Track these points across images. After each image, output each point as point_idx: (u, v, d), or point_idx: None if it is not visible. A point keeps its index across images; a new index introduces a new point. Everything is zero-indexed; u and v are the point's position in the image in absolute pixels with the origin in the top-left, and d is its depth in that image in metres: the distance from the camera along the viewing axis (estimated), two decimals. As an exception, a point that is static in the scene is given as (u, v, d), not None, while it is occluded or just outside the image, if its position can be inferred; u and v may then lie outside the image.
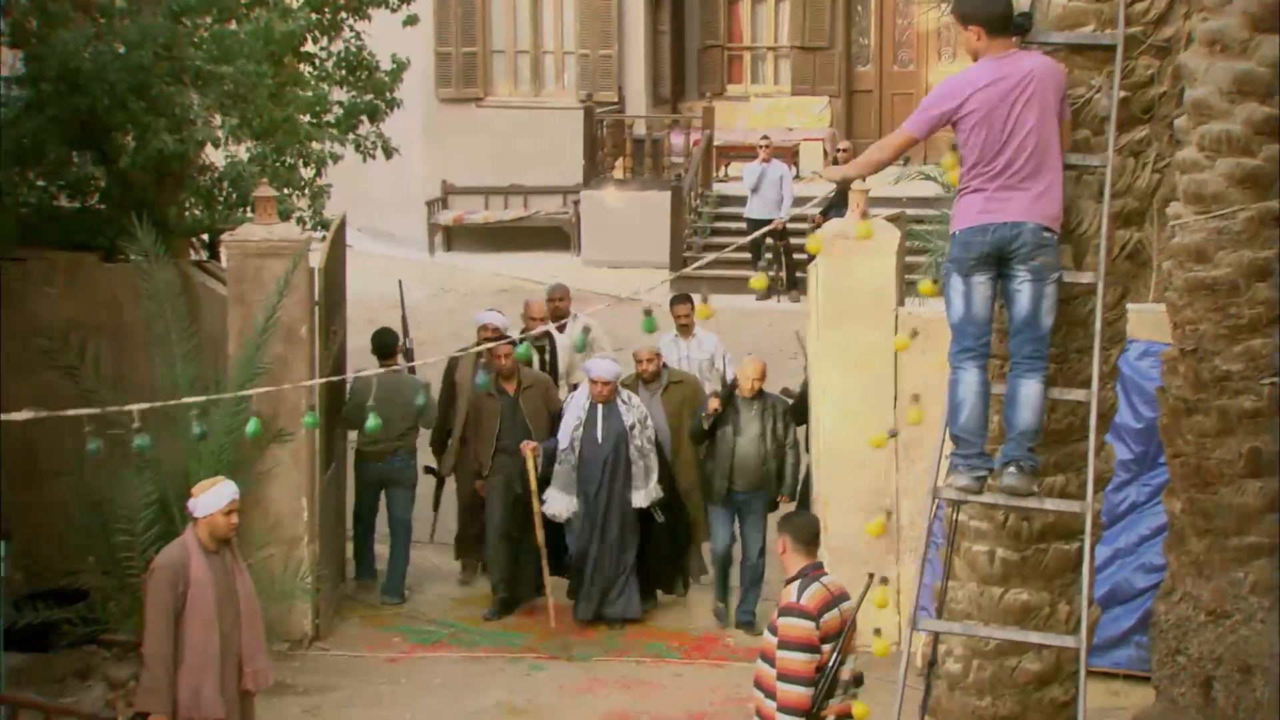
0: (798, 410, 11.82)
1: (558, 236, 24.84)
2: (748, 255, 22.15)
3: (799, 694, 7.48)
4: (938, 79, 26.03)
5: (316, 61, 13.49)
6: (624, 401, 11.47)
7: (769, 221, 21.32)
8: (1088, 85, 6.34)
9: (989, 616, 6.84)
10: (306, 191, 13.03)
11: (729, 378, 12.32)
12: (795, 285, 22.05)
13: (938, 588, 7.22)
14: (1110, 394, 6.74)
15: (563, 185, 24.61)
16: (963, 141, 6.53)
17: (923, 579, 10.99)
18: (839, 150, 22.62)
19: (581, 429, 11.37)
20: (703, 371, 12.74)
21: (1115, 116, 6.30)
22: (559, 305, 13.15)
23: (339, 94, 13.83)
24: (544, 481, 11.52)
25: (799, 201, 21.21)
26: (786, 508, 11.30)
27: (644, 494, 11.45)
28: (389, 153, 13.67)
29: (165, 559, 8.11)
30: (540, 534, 11.47)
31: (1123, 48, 6.31)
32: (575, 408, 11.51)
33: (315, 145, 12.76)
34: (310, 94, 12.94)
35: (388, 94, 13.57)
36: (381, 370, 11.63)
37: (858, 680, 8.14)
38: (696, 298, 12.62)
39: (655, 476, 11.50)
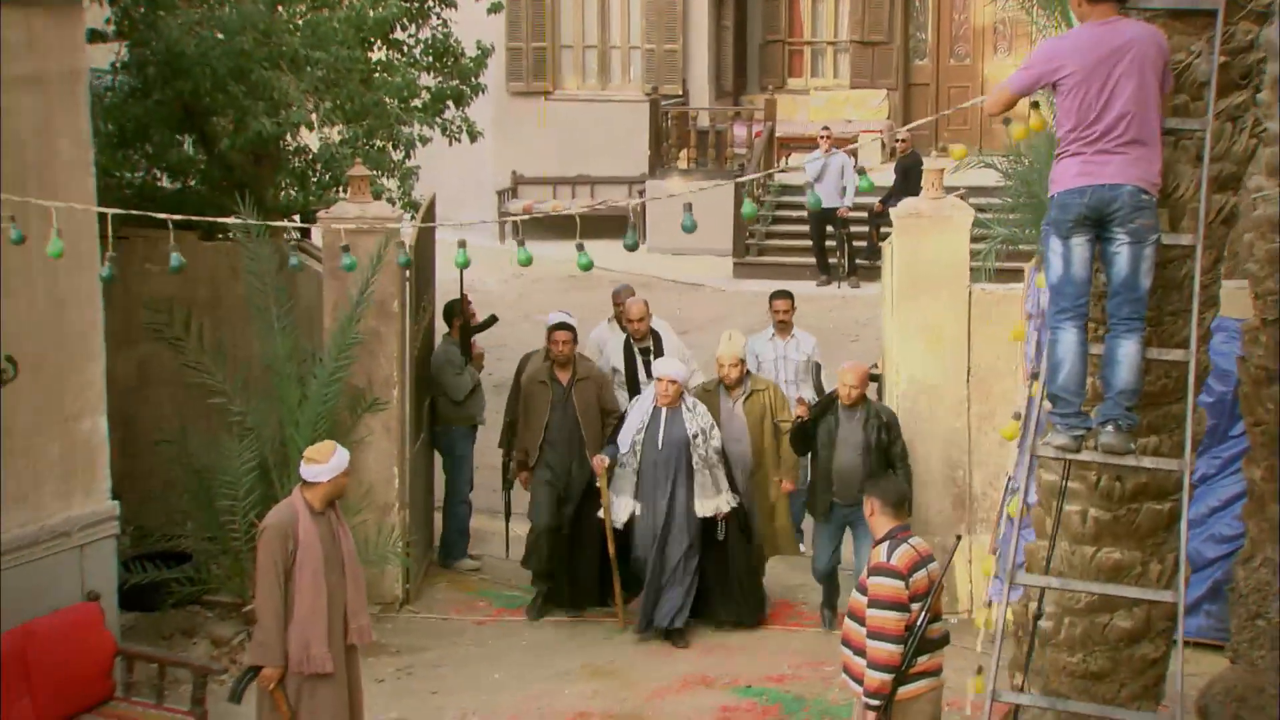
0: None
1: (624, 225, 24.65)
2: (810, 243, 22.14)
3: (889, 651, 7.42)
4: (994, 73, 25.96)
5: (405, 48, 13.39)
6: (689, 409, 10.44)
7: (832, 211, 21.32)
8: (1187, 51, 6.18)
9: (1081, 575, 6.71)
10: (396, 173, 12.94)
11: (822, 381, 11.56)
12: (854, 272, 21.90)
13: (1030, 547, 7.06)
14: (1204, 357, 6.57)
15: (628, 175, 24.52)
16: (1061, 105, 6.38)
17: (1008, 541, 10.98)
18: (898, 141, 22.42)
19: (643, 433, 10.46)
20: (799, 373, 11.86)
21: (1215, 81, 6.11)
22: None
23: (425, 80, 13.72)
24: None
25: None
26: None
27: (712, 505, 10.44)
28: (474, 136, 13.62)
29: (275, 519, 8.09)
30: (612, 547, 10.60)
31: (1223, 13, 6.12)
32: (639, 411, 10.57)
33: (404, 128, 12.65)
34: (399, 79, 12.81)
35: (472, 79, 13.47)
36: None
37: (944, 639, 8.04)
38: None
39: (725, 488, 10.48)
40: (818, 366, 11.24)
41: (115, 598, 9.40)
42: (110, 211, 7.59)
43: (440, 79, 13.48)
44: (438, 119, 13.30)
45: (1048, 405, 6.41)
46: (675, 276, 22.47)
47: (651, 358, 11.51)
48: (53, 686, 8.45)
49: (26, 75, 8.76)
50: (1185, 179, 6.26)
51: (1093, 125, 6.26)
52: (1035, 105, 6.67)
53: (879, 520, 7.70)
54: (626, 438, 10.50)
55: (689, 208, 7.35)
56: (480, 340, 12.58)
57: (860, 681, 7.60)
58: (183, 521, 11.08)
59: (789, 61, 26.65)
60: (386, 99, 12.60)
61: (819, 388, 10.95)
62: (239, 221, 10.44)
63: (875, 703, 7.47)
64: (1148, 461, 6.23)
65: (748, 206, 7.67)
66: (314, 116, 12.00)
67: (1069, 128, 6.34)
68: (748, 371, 10.92)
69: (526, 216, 7.98)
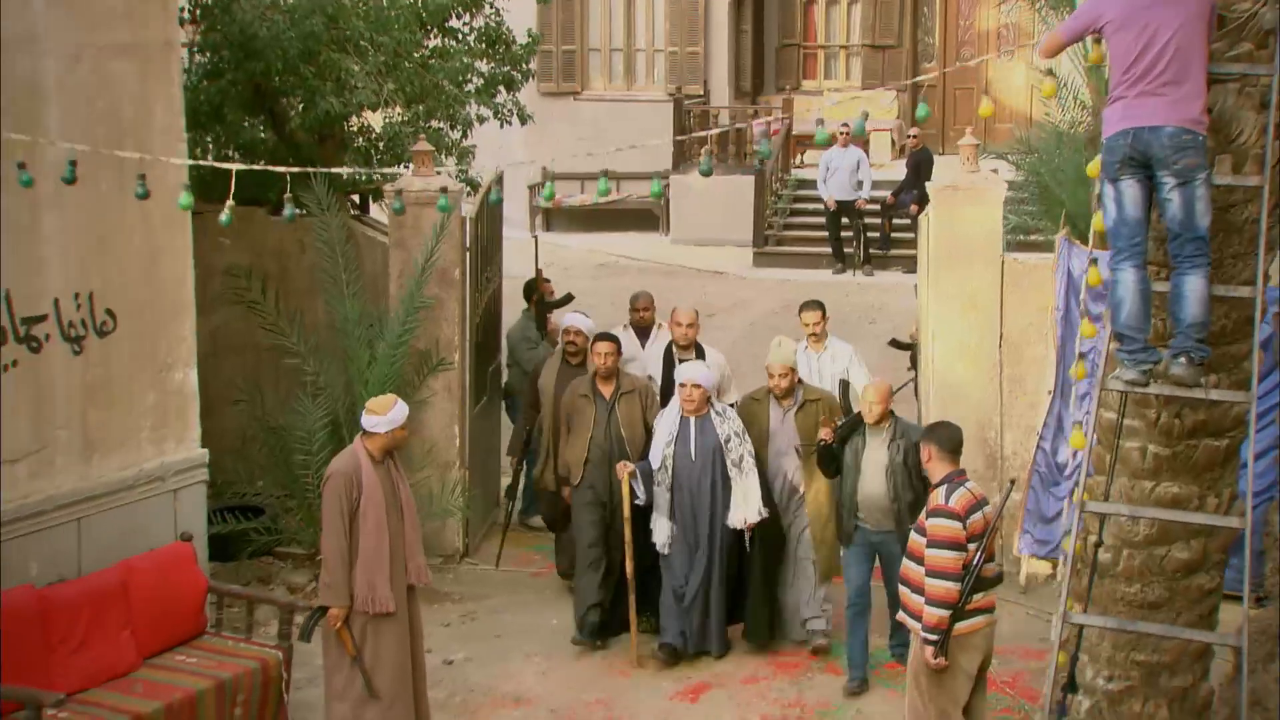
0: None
1: (648, 218, 24.80)
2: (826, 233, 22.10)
3: (946, 588, 7.43)
4: (998, 75, 25.94)
5: (460, 36, 13.35)
6: (718, 414, 9.40)
7: (850, 203, 21.30)
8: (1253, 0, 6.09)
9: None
10: (454, 151, 12.91)
11: (850, 400, 10.40)
12: (869, 260, 21.85)
13: (1091, 482, 6.97)
14: (1263, 300, 6.50)
15: (652, 171, 24.44)
16: (1109, 51, 6.31)
17: (1037, 495, 10.93)
18: (909, 138, 22.37)
19: (674, 445, 9.36)
20: (834, 388, 10.62)
21: (1280, 28, 6.05)
22: (644, 315, 10.98)
23: (478, 67, 13.68)
24: (647, 508, 9.50)
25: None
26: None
27: (741, 514, 9.31)
28: (524, 119, 13.61)
29: (339, 467, 8.10)
30: (631, 565, 9.42)
31: (1287, -38, 6.07)
32: (667, 423, 9.44)
33: (462, 109, 12.62)
34: (454, 64, 12.78)
35: (522, 66, 13.44)
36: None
37: (998, 578, 8.01)
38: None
39: (758, 496, 9.33)
40: (845, 385, 10.15)
41: (205, 539, 9.38)
42: (234, 167, 7.52)
43: (492, 65, 13.42)
44: (490, 102, 13.23)
45: (1114, 346, 6.32)
46: (699, 266, 22.48)
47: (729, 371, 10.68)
48: (150, 620, 8.43)
49: (125, 43, 8.75)
50: (1249, 125, 6.20)
51: (1132, 68, 6.21)
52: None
53: (936, 465, 7.70)
54: (657, 453, 9.39)
55: (710, 154, 7.79)
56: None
57: (918, 618, 7.57)
58: (258, 477, 11.05)
59: (804, 64, 26.64)
60: (444, 82, 12.51)
61: (846, 406, 9.79)
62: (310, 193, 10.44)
63: (934, 637, 7.45)
64: (1214, 394, 6.15)
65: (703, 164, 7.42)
66: (377, 97, 11.92)
67: (1116, 73, 6.29)
68: (800, 380, 9.70)
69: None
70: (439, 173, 11.40)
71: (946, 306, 11.14)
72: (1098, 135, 13.41)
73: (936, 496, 7.57)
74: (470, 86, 13.24)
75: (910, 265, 20.83)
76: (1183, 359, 6.07)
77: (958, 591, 7.44)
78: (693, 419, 9.36)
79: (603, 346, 9.78)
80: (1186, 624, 6.71)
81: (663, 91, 25.05)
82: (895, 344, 12.82)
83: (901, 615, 7.85)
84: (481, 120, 13.08)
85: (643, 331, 10.92)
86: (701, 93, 25.05)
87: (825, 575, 9.64)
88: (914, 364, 12.00)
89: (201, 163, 8.80)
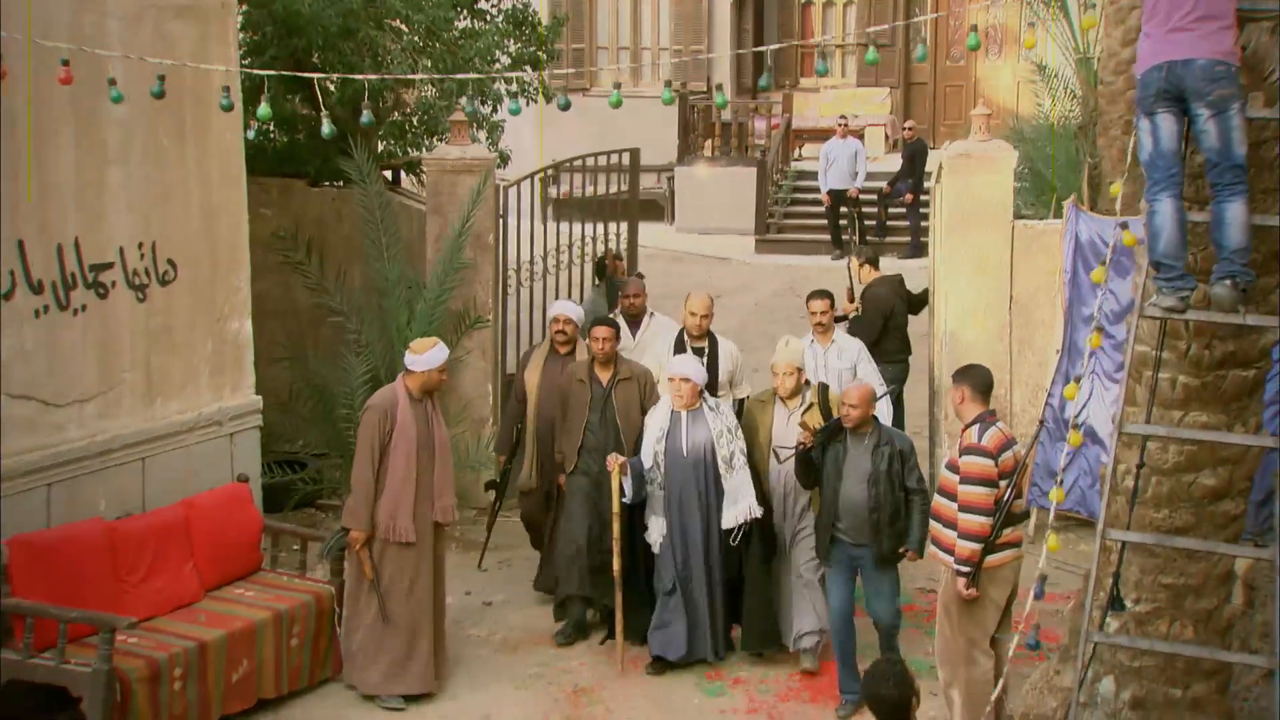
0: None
1: (654, 208, 24.72)
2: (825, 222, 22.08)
3: (980, 522, 7.42)
4: (985, 73, 25.93)
5: (488, 17, 13.31)
6: (711, 409, 8.57)
7: (844, 192, 21.28)
8: (1287, -65, 6.05)
9: (1168, 439, 6.57)
10: (485, 125, 12.87)
11: (876, 388, 9.19)
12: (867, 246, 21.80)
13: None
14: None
15: (658, 164, 24.45)
16: None
17: (1043, 447, 10.89)
18: (905, 129, 22.36)
19: (664, 442, 8.52)
20: (843, 385, 9.37)
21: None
22: (634, 301, 10.21)
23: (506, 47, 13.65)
24: (641, 506, 8.68)
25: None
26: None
27: (733, 513, 8.46)
28: (549, 96, 13.49)
29: (377, 400, 8.19)
30: (618, 563, 8.53)
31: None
32: (658, 419, 8.60)
33: (494, 85, 12.58)
34: (483, 44, 12.74)
35: (548, 46, 13.40)
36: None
37: (1026, 514, 7.99)
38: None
39: (751, 494, 8.45)
40: (824, 387, 8.75)
41: (260, 481, 9.33)
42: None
43: (519, 45, 13.38)
44: (517, 81, 13.19)
45: (1152, 272, 6.28)
46: (704, 252, 22.46)
47: (705, 360, 9.45)
48: (211, 554, 8.41)
49: (184, 4, 8.71)
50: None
51: (1160, 4, 6.15)
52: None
53: (969, 406, 7.66)
54: (648, 451, 8.56)
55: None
56: None
57: (949, 551, 7.54)
58: (303, 432, 11.01)
59: (801, 63, 26.59)
60: (475, 60, 12.48)
61: (825, 409, 8.48)
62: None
63: (966, 569, 7.43)
64: (1250, 319, 6.08)
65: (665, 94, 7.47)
66: (413, 73, 11.88)
67: (1145, 10, 6.25)
68: (807, 381, 8.73)
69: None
70: (474, 141, 11.35)
71: (958, 270, 11.12)
72: (1088, 124, 13.49)
73: (970, 435, 7.55)
74: (498, 66, 13.16)
75: (904, 251, 20.91)
76: (1227, 282, 5.99)
77: (990, 525, 7.42)
78: (684, 414, 8.51)
79: (600, 331, 8.98)
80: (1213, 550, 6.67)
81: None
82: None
83: (932, 549, 7.82)
84: (512, 95, 13.01)
85: (633, 319, 10.14)
86: (705, 89, 24.98)
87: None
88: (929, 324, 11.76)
89: (280, 73, 8.72)
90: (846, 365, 9.72)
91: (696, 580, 8.53)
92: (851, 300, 11.54)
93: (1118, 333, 10.55)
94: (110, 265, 8.21)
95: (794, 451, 8.14)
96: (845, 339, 9.96)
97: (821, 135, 23.13)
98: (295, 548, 9.22)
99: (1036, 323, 11.16)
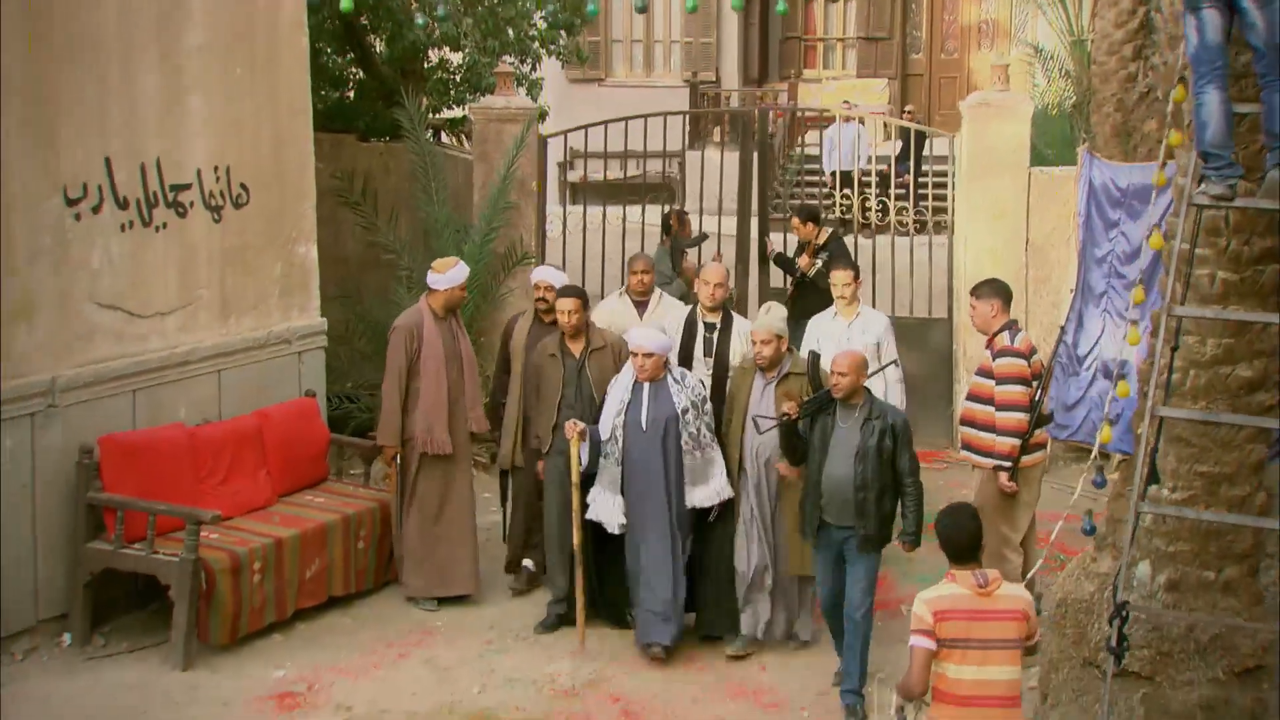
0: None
1: (665, 191, 24.74)
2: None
3: (1017, 419, 7.42)
4: (979, 66, 25.91)
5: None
6: (676, 380, 7.56)
7: (849, 172, 21.24)
8: None
9: (1208, 333, 6.54)
10: (524, 84, 12.85)
11: (892, 371, 8.44)
12: (867, 227, 21.74)
13: (1156, 313, 6.89)
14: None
15: (669, 150, 24.43)
16: None
17: (1058, 383, 10.86)
18: (905, 112, 22.38)
19: (623, 415, 7.53)
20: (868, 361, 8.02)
21: None
22: (642, 279, 8.91)
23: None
24: (591, 477, 7.70)
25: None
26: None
27: (704, 493, 7.53)
28: (583, 59, 13.52)
29: (403, 321, 8.16)
30: (578, 535, 7.57)
31: None
32: (619, 389, 7.61)
33: (532, 45, 12.56)
34: (521, 7, 12.72)
35: (582, 11, 13.35)
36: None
37: (1050, 416, 7.98)
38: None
39: (720, 473, 7.55)
40: (815, 356, 7.61)
41: (325, 398, 9.28)
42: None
43: (555, 10, 13.36)
44: (553, 44, 13.18)
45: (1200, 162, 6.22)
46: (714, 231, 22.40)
47: (716, 336, 8.28)
48: (282, 462, 8.38)
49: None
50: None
51: None
52: None
53: (1000, 317, 7.67)
54: (606, 422, 7.57)
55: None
56: None
57: (985, 453, 7.53)
58: (357, 368, 10.95)
59: (804, 55, 26.59)
60: (516, 20, 12.46)
61: (815, 381, 7.43)
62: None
63: (1008, 465, 7.40)
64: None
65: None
66: (458, 30, 11.86)
67: None
68: (789, 349, 7.67)
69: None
70: (523, 83, 11.32)
71: (977, 214, 11.12)
72: (1082, 103, 13.43)
73: (1001, 340, 7.55)
74: (534, 31, 13.15)
75: (903, 230, 20.90)
76: (1278, 170, 5.94)
77: (1025, 422, 7.41)
78: (646, 385, 7.54)
79: (565, 303, 7.94)
80: (1247, 439, 6.63)
81: (679, 78, 25.06)
82: (779, 260, 11.54)
83: (964, 453, 7.79)
84: (552, 53, 12.99)
85: (641, 299, 8.89)
86: (714, 79, 25.06)
87: (798, 569, 7.60)
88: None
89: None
90: (870, 341, 8.48)
91: (655, 561, 7.52)
92: (813, 254, 10.84)
93: (1129, 272, 10.55)
94: (189, 186, 8.17)
95: (776, 423, 7.19)
96: (871, 313, 8.84)
97: (824, 123, 23.17)
98: (355, 472, 9.18)
99: (1051, 264, 11.16)
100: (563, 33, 13.38)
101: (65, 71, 7.38)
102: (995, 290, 7.77)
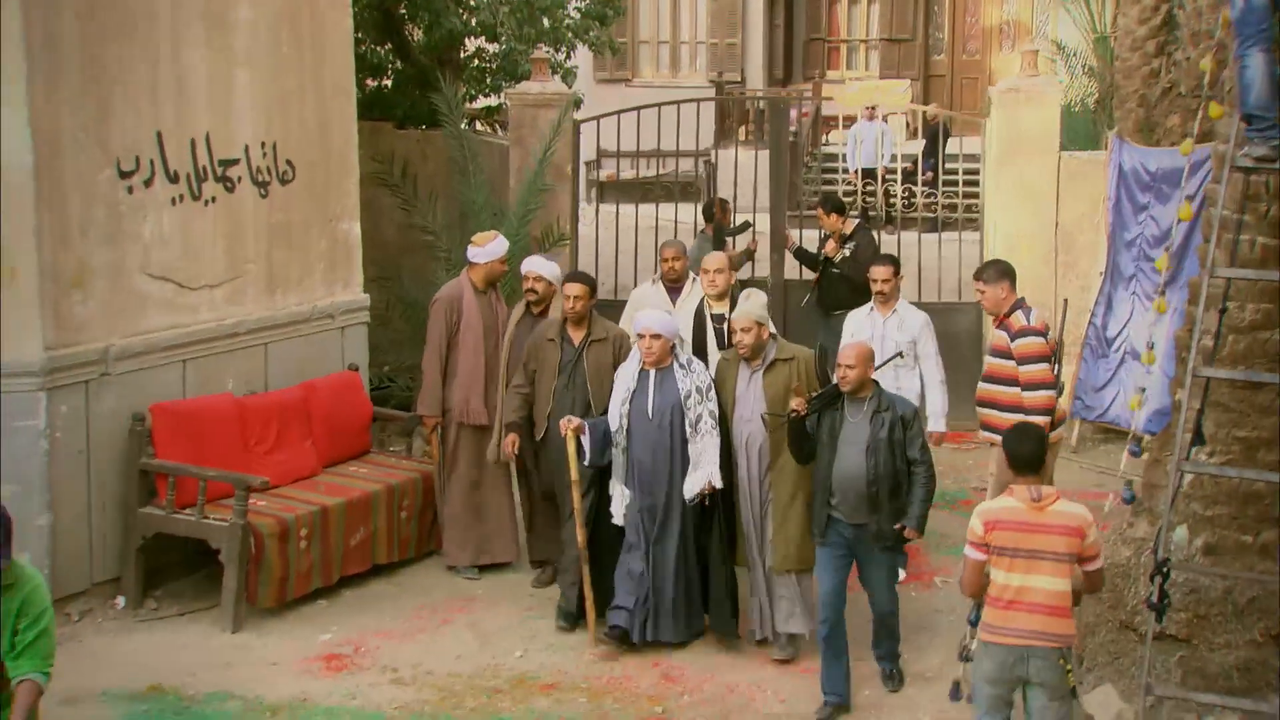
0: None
1: (691, 190, 24.71)
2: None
3: (1046, 395, 7.42)
4: (1000, 67, 25.87)
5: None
6: (683, 366, 7.19)
7: (873, 170, 21.21)
8: None
9: (1248, 298, 6.50)
10: (559, 72, 12.87)
11: (933, 371, 8.17)
12: (891, 221, 21.73)
13: (1194, 280, 6.86)
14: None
15: (695, 149, 24.43)
16: None
17: (1087, 366, 10.85)
18: (928, 106, 22.34)
19: (629, 403, 7.18)
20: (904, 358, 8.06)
21: None
22: (674, 265, 8.57)
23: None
24: (604, 471, 7.30)
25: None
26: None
27: (692, 480, 7.06)
28: (615, 50, 13.55)
29: (443, 293, 8.20)
30: (582, 534, 7.20)
31: None
32: (625, 377, 7.26)
33: (569, 34, 12.60)
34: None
35: (615, 3, 13.41)
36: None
37: (1063, 388, 7.94)
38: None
39: (713, 461, 7.05)
40: (824, 350, 7.45)
41: (368, 373, 9.31)
42: None
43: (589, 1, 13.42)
44: (586, 36, 13.21)
45: (1242, 126, 6.18)
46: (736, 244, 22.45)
47: (726, 326, 7.92)
48: (328, 433, 8.42)
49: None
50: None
51: None
52: None
53: (1011, 297, 7.53)
54: (614, 411, 7.22)
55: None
56: None
57: (1000, 432, 7.43)
58: (396, 348, 10.98)
59: (828, 56, 26.57)
60: (551, 9, 12.50)
61: (824, 374, 7.15)
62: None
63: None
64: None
65: None
66: (494, 18, 11.90)
67: None
68: (772, 336, 7.23)
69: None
70: (557, 71, 11.35)
71: (1007, 198, 11.09)
72: (1105, 99, 13.37)
73: (1018, 319, 7.44)
74: (569, 21, 13.18)
75: (929, 226, 20.87)
76: None
77: (1053, 398, 7.37)
78: (652, 372, 7.18)
79: (573, 289, 7.68)
80: (1287, 407, 6.59)
81: (704, 78, 25.05)
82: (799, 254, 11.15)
83: (986, 434, 7.67)
84: (585, 42, 13.01)
85: (674, 285, 8.59)
86: (739, 79, 25.05)
87: (782, 565, 7.12)
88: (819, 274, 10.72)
89: None
90: (906, 338, 8.17)
91: (664, 556, 7.16)
92: (840, 243, 10.55)
93: (1158, 255, 10.52)
94: (236, 161, 8.21)
95: (786, 417, 6.78)
96: (908, 309, 8.39)
97: (847, 123, 23.15)
98: (395, 449, 9.20)
99: (1080, 248, 11.13)
100: (596, 23, 13.39)
101: (118, 47, 7.43)
102: (1002, 271, 7.64)
